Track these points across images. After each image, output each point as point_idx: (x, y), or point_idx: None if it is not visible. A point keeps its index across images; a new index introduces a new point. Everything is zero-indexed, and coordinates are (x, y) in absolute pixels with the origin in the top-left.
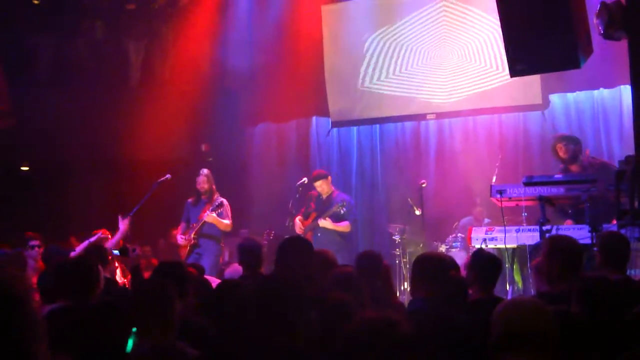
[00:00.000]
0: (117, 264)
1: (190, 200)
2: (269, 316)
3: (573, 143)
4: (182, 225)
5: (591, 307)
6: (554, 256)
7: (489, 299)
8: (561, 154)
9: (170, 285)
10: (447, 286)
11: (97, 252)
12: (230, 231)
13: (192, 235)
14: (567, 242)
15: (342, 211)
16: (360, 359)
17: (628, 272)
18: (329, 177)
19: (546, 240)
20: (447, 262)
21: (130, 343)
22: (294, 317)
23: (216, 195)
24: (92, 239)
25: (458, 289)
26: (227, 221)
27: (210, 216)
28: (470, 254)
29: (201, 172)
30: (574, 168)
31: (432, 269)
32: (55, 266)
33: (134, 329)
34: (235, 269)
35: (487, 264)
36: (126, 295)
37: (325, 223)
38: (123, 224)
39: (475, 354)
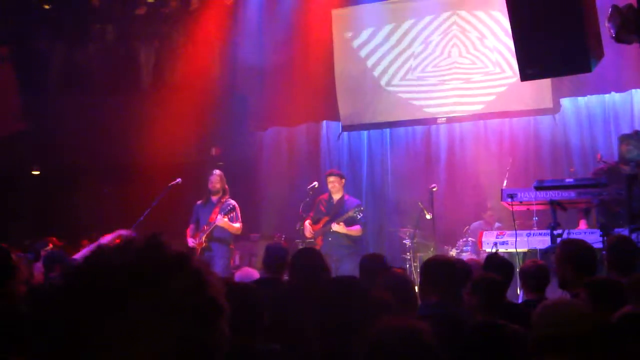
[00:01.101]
0: None
1: (199, 202)
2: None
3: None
4: (191, 227)
5: (601, 309)
6: (567, 260)
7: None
8: (623, 150)
9: None
10: (458, 290)
11: None
12: (240, 234)
13: (203, 239)
14: (578, 246)
15: (358, 216)
16: None
17: None
18: (344, 180)
19: (558, 245)
20: (457, 266)
21: None
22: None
23: (226, 197)
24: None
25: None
26: (238, 225)
27: (222, 221)
28: (484, 257)
29: (214, 172)
30: (625, 169)
31: (443, 273)
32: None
33: None
34: (246, 273)
35: (500, 269)
36: None
37: (338, 228)
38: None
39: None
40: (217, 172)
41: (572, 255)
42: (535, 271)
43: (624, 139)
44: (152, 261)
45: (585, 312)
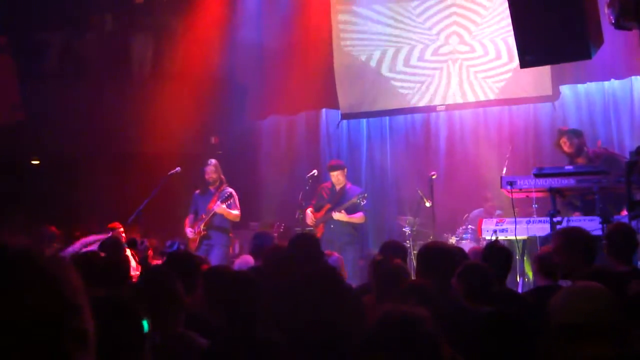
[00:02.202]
0: (131, 257)
1: (197, 191)
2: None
3: (576, 136)
4: (190, 217)
5: None
6: (571, 248)
7: (502, 290)
8: (565, 148)
9: (172, 274)
10: (466, 277)
11: (112, 246)
12: (239, 222)
13: (202, 227)
14: (582, 234)
15: (362, 203)
16: (385, 353)
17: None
18: (345, 169)
19: (558, 233)
20: (455, 253)
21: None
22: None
23: (224, 186)
24: (100, 236)
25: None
26: (236, 212)
27: (220, 207)
28: (484, 245)
29: (209, 162)
30: (580, 161)
31: (442, 259)
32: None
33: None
34: (245, 260)
35: (500, 256)
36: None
37: (339, 216)
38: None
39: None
40: (212, 161)
41: (575, 243)
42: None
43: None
44: None
45: (612, 298)
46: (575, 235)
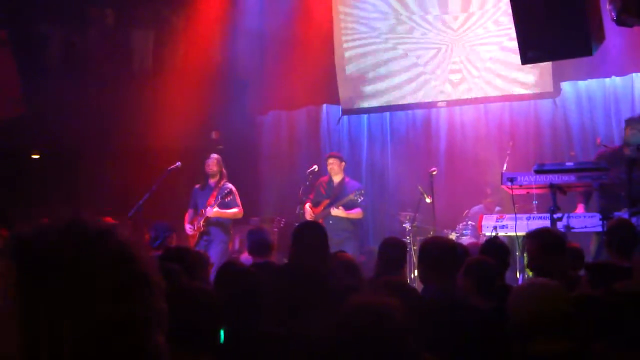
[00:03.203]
0: None
1: (197, 186)
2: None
3: None
4: (190, 212)
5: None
6: (545, 250)
7: (501, 286)
8: (627, 133)
9: (175, 269)
10: (473, 273)
11: None
12: (241, 218)
13: (202, 223)
14: (554, 235)
15: (359, 199)
16: (354, 342)
17: None
18: (344, 163)
19: (531, 236)
20: (457, 247)
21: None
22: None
23: (224, 181)
24: None
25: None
26: (234, 210)
27: (212, 211)
28: (483, 241)
29: (211, 155)
30: (627, 151)
31: (443, 254)
32: None
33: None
34: (247, 259)
35: (498, 252)
36: None
37: (337, 212)
38: None
39: (492, 341)
40: (214, 155)
41: (552, 243)
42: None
43: (629, 122)
44: (72, 237)
45: (565, 293)
46: (548, 236)
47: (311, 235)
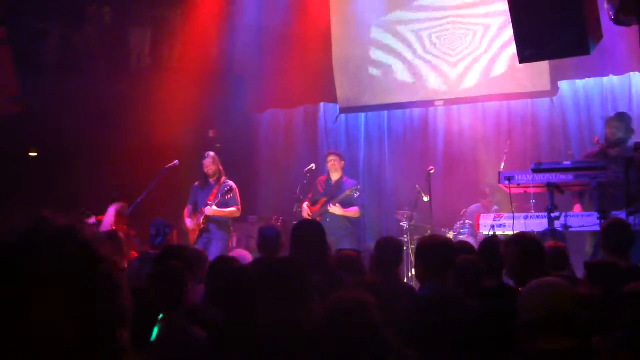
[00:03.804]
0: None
1: (196, 183)
2: (276, 298)
3: (624, 131)
4: (189, 209)
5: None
6: (524, 255)
7: (499, 286)
8: (616, 132)
9: (184, 269)
10: (454, 270)
11: (112, 242)
12: (239, 216)
13: (202, 220)
14: (533, 241)
15: (355, 195)
16: (331, 336)
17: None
18: (343, 161)
19: (510, 241)
20: (454, 245)
21: (155, 329)
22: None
23: (224, 178)
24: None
25: (469, 275)
26: (232, 208)
27: (210, 210)
28: (481, 241)
29: (207, 154)
30: (612, 152)
31: (438, 253)
32: None
33: (160, 316)
34: (239, 255)
35: (495, 251)
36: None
37: (334, 209)
38: (112, 208)
39: (487, 341)
40: (209, 154)
41: (531, 249)
42: (553, 252)
43: (609, 121)
44: (36, 237)
45: (573, 292)
46: (527, 242)
47: (310, 233)
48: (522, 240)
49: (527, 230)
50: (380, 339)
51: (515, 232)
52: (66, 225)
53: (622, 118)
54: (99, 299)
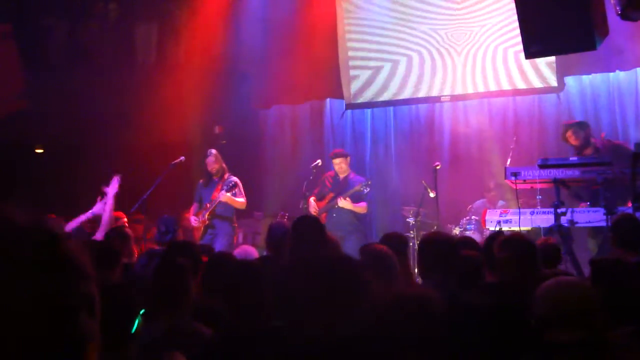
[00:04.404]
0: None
1: (201, 181)
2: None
3: (581, 128)
4: (195, 206)
5: (606, 289)
6: (516, 258)
7: (501, 281)
8: (572, 141)
9: (187, 266)
10: (459, 267)
11: (118, 236)
12: (243, 212)
13: (207, 216)
14: (524, 243)
15: (365, 190)
16: (395, 333)
17: None
18: (349, 158)
19: (501, 244)
20: (457, 242)
21: (135, 324)
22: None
23: (227, 175)
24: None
25: (471, 269)
26: (241, 199)
27: (225, 196)
28: (486, 236)
29: (209, 152)
30: (587, 152)
31: (441, 250)
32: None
33: (142, 311)
34: (245, 251)
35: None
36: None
37: (344, 203)
38: (112, 188)
39: (490, 337)
40: (212, 152)
41: (522, 251)
42: (546, 249)
43: (570, 127)
44: None
45: (591, 290)
46: (518, 244)
47: (309, 228)
48: (509, 243)
49: (533, 226)
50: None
51: (520, 228)
52: (31, 217)
53: (582, 126)
54: (61, 284)
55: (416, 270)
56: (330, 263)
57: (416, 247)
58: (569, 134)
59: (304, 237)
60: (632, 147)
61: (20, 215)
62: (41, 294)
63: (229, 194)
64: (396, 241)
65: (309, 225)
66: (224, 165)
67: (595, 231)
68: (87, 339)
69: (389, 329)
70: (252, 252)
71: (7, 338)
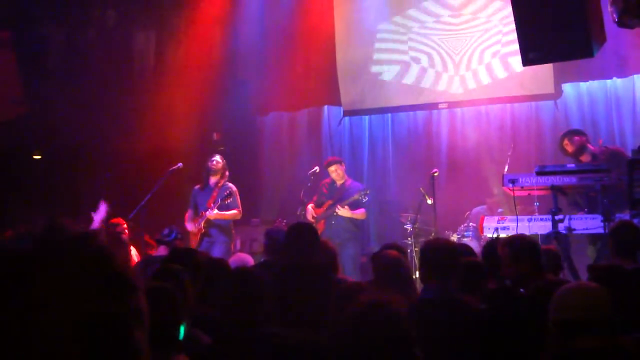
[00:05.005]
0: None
1: (197, 186)
2: (293, 305)
3: (576, 134)
4: (190, 213)
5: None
6: (517, 258)
7: (501, 288)
8: (568, 149)
9: (186, 274)
10: (458, 272)
11: (114, 242)
12: (240, 219)
13: (202, 224)
14: (526, 243)
15: (364, 199)
16: (359, 341)
17: None
18: (343, 164)
19: (503, 244)
20: (458, 248)
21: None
22: (321, 307)
23: (223, 181)
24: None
25: (472, 274)
26: (233, 211)
27: (212, 214)
28: (484, 243)
29: (216, 154)
30: (584, 158)
31: (442, 255)
32: None
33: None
34: (240, 259)
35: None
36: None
37: (343, 211)
38: (99, 213)
39: (489, 342)
40: (219, 156)
41: (524, 251)
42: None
43: (566, 136)
44: (50, 244)
45: (605, 296)
46: (520, 244)
47: (303, 235)
48: (511, 243)
49: (530, 233)
50: (407, 344)
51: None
52: (80, 232)
53: (576, 132)
54: (113, 299)
55: (417, 275)
56: (300, 269)
57: (414, 253)
58: (565, 142)
59: (296, 244)
60: (629, 153)
61: (71, 230)
62: (95, 310)
63: (216, 211)
64: (397, 250)
65: (302, 232)
66: (226, 172)
67: (594, 238)
68: (139, 353)
69: (361, 335)
70: (248, 259)
71: (61, 354)
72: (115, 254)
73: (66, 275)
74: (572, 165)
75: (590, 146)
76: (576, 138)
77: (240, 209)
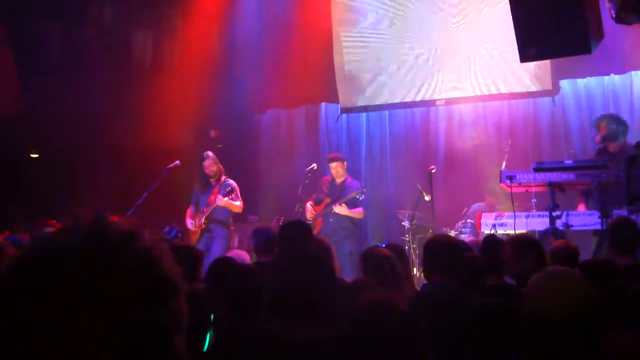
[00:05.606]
0: None
1: (198, 186)
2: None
3: (614, 121)
4: (191, 209)
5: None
6: (520, 256)
7: (501, 284)
8: (602, 131)
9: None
10: (461, 268)
11: None
12: (239, 216)
13: (203, 220)
14: (529, 240)
15: (360, 198)
16: (363, 337)
17: None
18: (345, 162)
19: (507, 242)
20: (459, 244)
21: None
22: (325, 303)
23: (224, 178)
24: None
25: (473, 271)
26: (238, 203)
27: (222, 200)
28: (482, 239)
29: (206, 155)
30: (612, 148)
31: (445, 251)
32: None
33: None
34: (237, 255)
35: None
36: None
37: (340, 209)
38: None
39: (488, 338)
40: (209, 154)
41: (527, 249)
42: (565, 250)
43: (600, 120)
44: (97, 242)
45: (585, 289)
46: (522, 242)
47: (296, 232)
48: (513, 241)
49: (528, 229)
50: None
51: (515, 231)
52: (128, 230)
53: (615, 120)
54: (161, 305)
55: (415, 271)
56: (299, 262)
57: (411, 250)
58: (602, 124)
59: (290, 241)
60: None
61: (116, 228)
62: (139, 318)
63: (226, 199)
64: (396, 250)
65: (295, 230)
66: (221, 167)
67: (597, 232)
68: (182, 358)
69: (364, 331)
70: (245, 257)
71: None
72: (162, 254)
73: (112, 278)
74: (570, 161)
75: (624, 140)
76: (612, 125)
77: (242, 203)
